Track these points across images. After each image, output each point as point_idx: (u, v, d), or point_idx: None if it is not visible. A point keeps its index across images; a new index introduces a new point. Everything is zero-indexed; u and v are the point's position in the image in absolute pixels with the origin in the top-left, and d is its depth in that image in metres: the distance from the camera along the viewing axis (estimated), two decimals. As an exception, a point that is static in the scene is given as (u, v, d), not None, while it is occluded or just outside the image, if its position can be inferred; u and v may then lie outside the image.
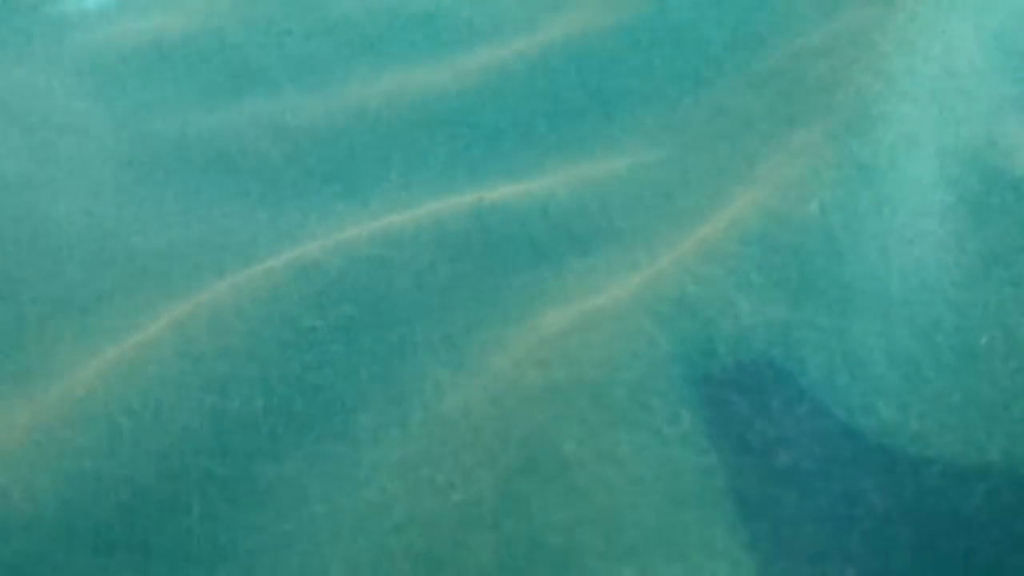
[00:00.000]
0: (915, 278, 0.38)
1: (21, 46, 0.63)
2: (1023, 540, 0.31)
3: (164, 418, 0.37)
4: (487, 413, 0.35)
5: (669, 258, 0.39)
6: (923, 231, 0.40)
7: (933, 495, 0.33)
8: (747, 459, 0.33)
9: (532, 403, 0.34)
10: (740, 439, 0.33)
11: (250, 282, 0.42)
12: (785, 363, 0.34)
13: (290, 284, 0.41)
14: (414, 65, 0.58)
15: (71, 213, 0.51)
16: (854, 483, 0.33)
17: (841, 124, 0.43)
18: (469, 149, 0.51)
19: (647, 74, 0.53)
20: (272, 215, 0.49)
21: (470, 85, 0.54)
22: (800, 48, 0.51)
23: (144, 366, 0.39)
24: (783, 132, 0.45)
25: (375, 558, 0.33)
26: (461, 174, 0.49)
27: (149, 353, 0.40)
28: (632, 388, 0.34)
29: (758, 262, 0.37)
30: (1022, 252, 0.39)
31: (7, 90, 0.59)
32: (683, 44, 0.54)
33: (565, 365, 0.35)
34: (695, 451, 0.33)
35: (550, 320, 0.39)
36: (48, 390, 0.41)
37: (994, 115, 0.47)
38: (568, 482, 0.32)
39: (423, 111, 0.53)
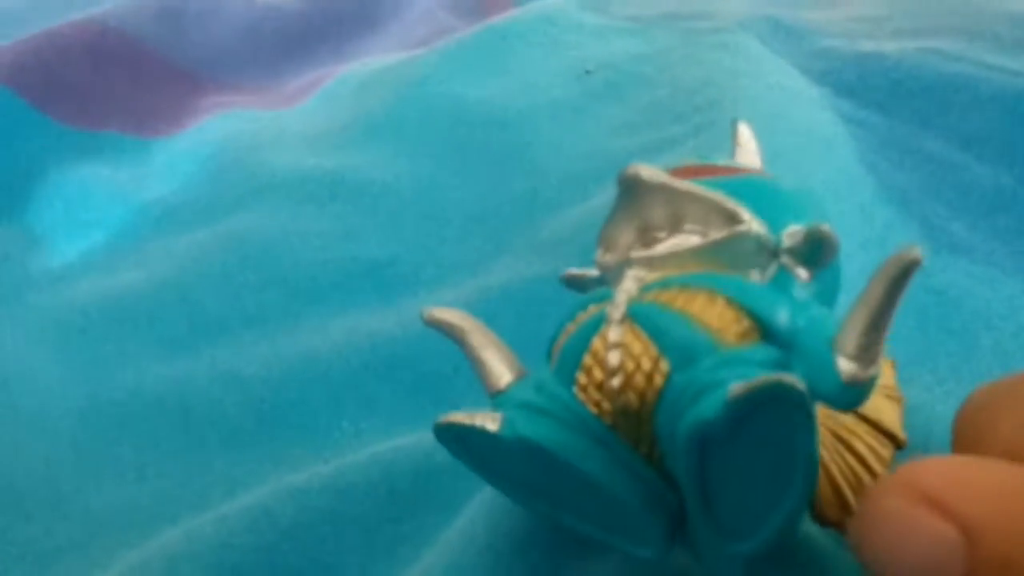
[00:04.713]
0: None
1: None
2: None
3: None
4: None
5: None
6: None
7: None
8: None
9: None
10: None
11: (203, 528, 0.43)
12: None
13: (242, 532, 0.42)
14: (363, 312, 0.60)
15: (28, 468, 0.52)
16: None
17: None
18: (416, 394, 0.52)
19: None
20: (227, 464, 0.50)
21: (415, 331, 0.55)
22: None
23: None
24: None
25: None
26: (409, 419, 0.51)
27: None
28: None
29: None
30: None
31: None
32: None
33: None
34: None
35: None
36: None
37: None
38: None
39: (371, 357, 0.55)
